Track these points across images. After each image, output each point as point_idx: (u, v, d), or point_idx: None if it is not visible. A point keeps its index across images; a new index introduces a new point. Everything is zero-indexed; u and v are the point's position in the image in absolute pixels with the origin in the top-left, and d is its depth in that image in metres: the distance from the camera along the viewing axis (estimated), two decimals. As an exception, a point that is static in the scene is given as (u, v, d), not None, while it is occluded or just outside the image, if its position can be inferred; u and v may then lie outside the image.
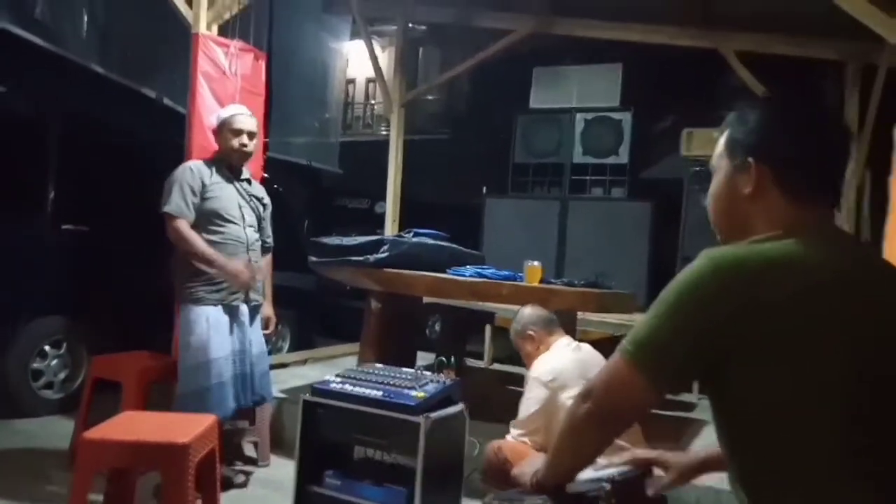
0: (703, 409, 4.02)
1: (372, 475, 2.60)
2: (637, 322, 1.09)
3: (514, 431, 2.52)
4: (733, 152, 1.13)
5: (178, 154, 3.30)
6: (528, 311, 2.74)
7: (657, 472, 1.46)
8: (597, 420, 1.11)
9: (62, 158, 4.05)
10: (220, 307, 2.84)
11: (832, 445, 0.94)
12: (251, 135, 2.98)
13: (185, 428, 2.06)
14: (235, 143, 2.93)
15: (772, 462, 0.98)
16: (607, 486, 1.30)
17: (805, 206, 1.09)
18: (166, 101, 5.08)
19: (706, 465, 1.45)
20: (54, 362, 3.93)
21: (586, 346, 2.70)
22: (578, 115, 6.61)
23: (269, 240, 3.21)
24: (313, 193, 7.39)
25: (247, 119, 2.99)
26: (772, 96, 1.17)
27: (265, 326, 3.16)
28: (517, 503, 1.29)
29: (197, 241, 2.79)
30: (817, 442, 0.95)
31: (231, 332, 2.87)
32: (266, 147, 4.29)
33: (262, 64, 3.76)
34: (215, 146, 3.06)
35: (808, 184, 1.10)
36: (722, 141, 1.17)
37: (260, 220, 3.09)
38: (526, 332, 2.67)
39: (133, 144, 4.44)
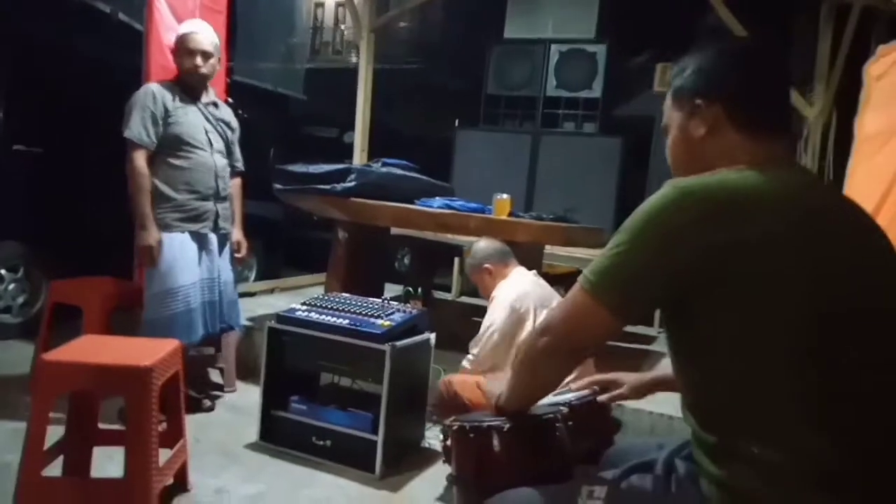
0: (662, 343, 4.15)
1: (338, 401, 2.65)
2: (601, 252, 1.06)
3: (473, 350, 2.55)
4: (681, 101, 1.16)
5: (136, 73, 3.14)
6: (483, 245, 2.74)
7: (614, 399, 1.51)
8: (555, 353, 1.12)
9: (12, 76, 3.83)
10: (187, 234, 2.78)
11: (788, 384, 0.95)
12: (205, 55, 2.81)
13: (148, 351, 2.04)
14: (189, 63, 2.78)
15: (727, 397, 0.99)
16: (564, 410, 1.34)
17: (761, 139, 1.09)
18: (122, 16, 4.80)
19: (658, 384, 1.50)
20: (11, 287, 3.84)
21: (539, 278, 2.74)
22: (553, 47, 6.46)
23: (239, 164, 3.11)
24: (280, 121, 7.16)
25: (201, 37, 2.81)
26: (704, 42, 1.19)
27: (237, 250, 3.10)
28: (478, 424, 1.32)
29: (143, 185, 2.67)
30: (774, 380, 0.95)
31: (199, 259, 2.82)
32: (230, 70, 4.12)
33: (224, -21, 3.56)
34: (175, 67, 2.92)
35: (758, 114, 1.11)
36: (668, 97, 1.20)
37: (228, 144, 2.99)
38: (482, 266, 2.68)
39: (88, 62, 4.21)
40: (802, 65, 5.49)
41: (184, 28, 2.87)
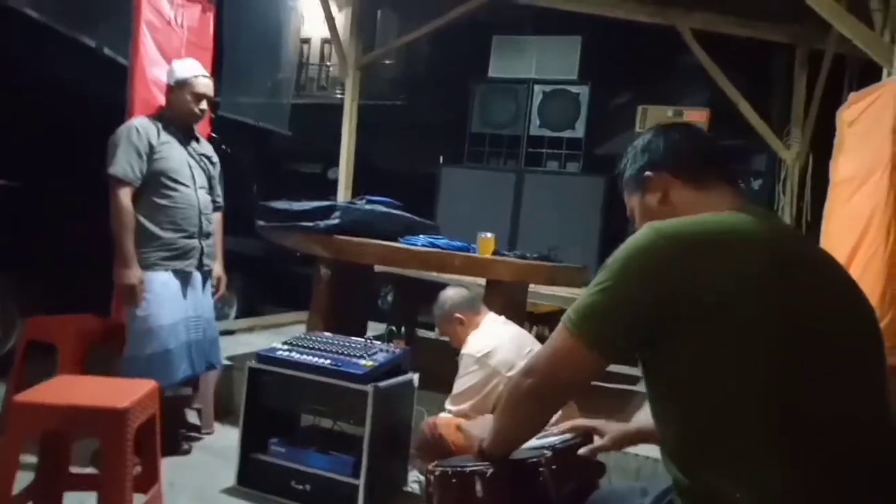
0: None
1: (318, 443, 2.60)
2: (582, 293, 1.10)
3: (450, 408, 2.53)
4: (632, 186, 1.29)
5: (120, 107, 3.14)
6: (451, 293, 2.68)
7: (596, 439, 1.50)
8: (540, 394, 1.14)
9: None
10: (170, 272, 2.74)
11: (760, 421, 0.97)
12: (210, 100, 2.87)
13: (124, 393, 1.99)
14: (196, 108, 2.80)
15: (701, 439, 1.01)
16: (547, 454, 1.33)
17: (713, 190, 1.19)
18: (107, 50, 4.82)
19: (641, 436, 1.50)
20: (-16, 323, 3.76)
21: (511, 322, 2.70)
22: (537, 87, 6.59)
23: (220, 199, 3.10)
24: (263, 156, 7.18)
25: (209, 83, 2.87)
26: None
27: (216, 287, 3.07)
28: (460, 469, 1.30)
29: (127, 223, 2.63)
30: (742, 420, 0.97)
31: (184, 297, 2.79)
32: (215, 106, 4.14)
33: (211, 16, 3.60)
34: (160, 101, 2.93)
35: (701, 167, 1.21)
36: (626, 196, 1.33)
37: (210, 179, 2.98)
38: (453, 316, 2.63)
39: (72, 96, 4.20)
40: (780, 108, 5.65)
41: (189, 70, 2.84)
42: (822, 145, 3.97)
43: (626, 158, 1.32)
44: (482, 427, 1.72)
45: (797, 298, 1.00)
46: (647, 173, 1.24)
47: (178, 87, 2.81)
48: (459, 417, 2.49)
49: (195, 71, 2.85)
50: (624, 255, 1.05)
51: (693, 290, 0.98)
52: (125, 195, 2.65)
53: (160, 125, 2.78)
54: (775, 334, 0.97)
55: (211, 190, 2.99)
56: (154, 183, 2.71)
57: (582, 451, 1.44)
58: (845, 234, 2.85)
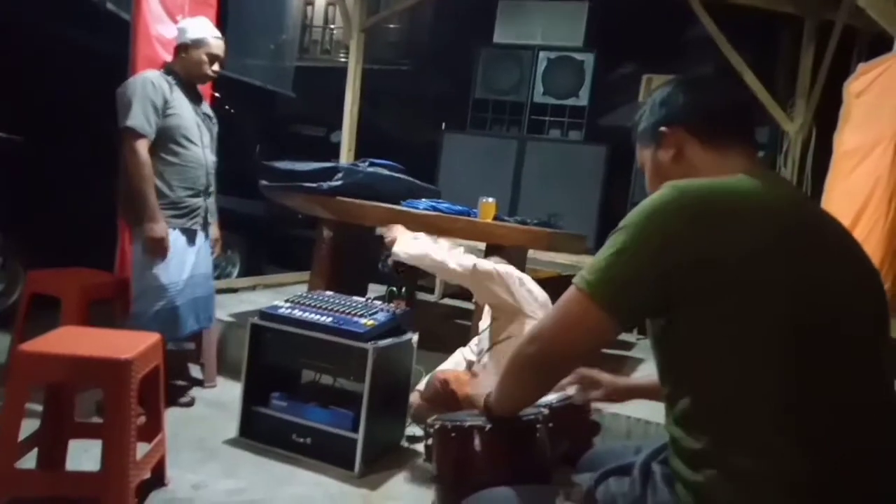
0: (640, 349, 4.19)
1: (319, 398, 2.64)
2: (598, 253, 1.06)
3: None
4: (646, 138, 1.23)
5: (122, 63, 3.12)
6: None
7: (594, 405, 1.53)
8: (545, 360, 1.10)
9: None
10: (178, 230, 2.76)
11: (765, 394, 0.96)
12: (221, 62, 2.86)
13: (128, 344, 2.02)
14: (207, 69, 2.79)
15: (710, 404, 1.00)
16: (545, 412, 1.36)
17: (729, 153, 1.14)
18: (110, 5, 4.76)
19: (636, 391, 1.52)
20: (-12, 276, 3.79)
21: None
22: (542, 54, 6.51)
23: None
24: (266, 118, 7.12)
25: (223, 45, 2.85)
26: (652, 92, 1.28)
27: (213, 247, 3.09)
28: (459, 424, 1.33)
29: (148, 176, 2.61)
30: (752, 388, 0.96)
31: (190, 255, 2.81)
32: (221, 65, 4.09)
33: (215, -28, 3.55)
34: (164, 58, 2.90)
35: (719, 128, 1.16)
36: (637, 149, 1.27)
37: (212, 139, 2.98)
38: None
39: (74, 51, 4.17)
40: (785, 80, 5.60)
41: (203, 29, 2.81)
42: (825, 118, 3.96)
43: (643, 109, 1.26)
44: (488, 384, 1.75)
45: (806, 275, 0.97)
46: (662, 129, 1.19)
47: (193, 46, 2.77)
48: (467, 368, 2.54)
49: (211, 31, 2.83)
50: (645, 215, 1.00)
51: (711, 257, 0.95)
52: (143, 148, 2.62)
53: (172, 81, 2.75)
54: (785, 304, 0.95)
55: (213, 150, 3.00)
56: (166, 139, 2.69)
57: (577, 396, 1.47)
58: (846, 206, 2.86)
